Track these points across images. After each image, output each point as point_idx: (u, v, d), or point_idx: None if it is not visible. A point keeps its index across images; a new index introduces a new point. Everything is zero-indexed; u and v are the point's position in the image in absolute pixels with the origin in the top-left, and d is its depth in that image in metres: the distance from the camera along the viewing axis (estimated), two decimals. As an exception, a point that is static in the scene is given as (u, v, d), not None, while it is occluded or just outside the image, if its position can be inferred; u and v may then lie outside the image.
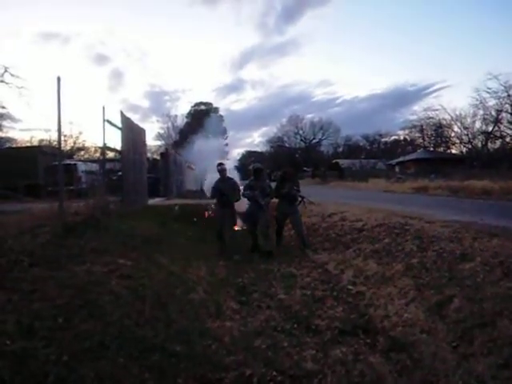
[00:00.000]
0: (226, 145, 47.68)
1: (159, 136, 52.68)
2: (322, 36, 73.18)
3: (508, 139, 37.04)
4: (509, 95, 34.52)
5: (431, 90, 51.31)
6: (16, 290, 3.62)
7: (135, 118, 11.40)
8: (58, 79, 5.89)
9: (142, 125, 11.06)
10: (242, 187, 7.75)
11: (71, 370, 2.40)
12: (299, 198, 7.48)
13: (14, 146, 32.89)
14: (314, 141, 54.37)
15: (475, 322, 3.40)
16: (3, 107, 29.43)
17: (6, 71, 27.68)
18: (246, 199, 7.52)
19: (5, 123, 32.81)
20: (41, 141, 35.78)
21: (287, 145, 53.57)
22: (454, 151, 42.88)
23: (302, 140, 53.63)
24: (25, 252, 4.78)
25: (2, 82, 27.92)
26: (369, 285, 4.83)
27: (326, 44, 72.53)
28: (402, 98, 56.84)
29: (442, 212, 8.27)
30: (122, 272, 4.62)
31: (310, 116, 55.47)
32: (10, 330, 2.74)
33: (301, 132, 54.24)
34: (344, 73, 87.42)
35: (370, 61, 78.89)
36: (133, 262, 5.16)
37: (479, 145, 39.26)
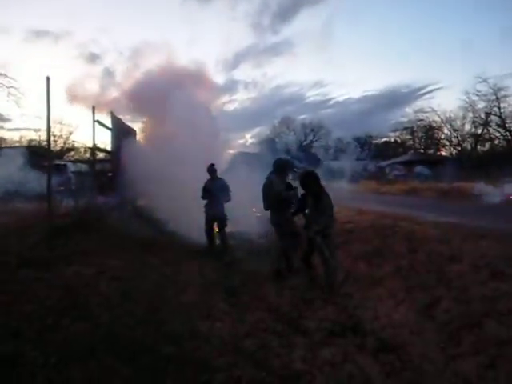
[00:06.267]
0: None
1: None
2: (316, 36, 73.00)
3: (497, 142, 37.50)
4: (497, 98, 34.84)
5: (424, 91, 51.56)
6: (3, 291, 3.58)
7: (126, 118, 11.24)
8: (48, 79, 5.84)
9: (132, 125, 10.97)
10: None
11: (59, 372, 2.39)
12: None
13: (3, 145, 32.40)
14: (305, 142, 54.20)
15: (463, 322, 3.44)
16: (-9, 107, 29.04)
17: (-5, 70, 27.38)
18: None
19: (-7, 123, 32.37)
20: (30, 141, 35.25)
21: (278, 146, 53.44)
22: (444, 153, 43.22)
23: (295, 142, 53.40)
24: (12, 253, 4.74)
25: (-9, 81, 27.59)
26: (358, 286, 4.85)
27: (320, 44, 72.69)
28: (395, 99, 56.59)
29: (431, 214, 8.35)
30: (112, 273, 4.59)
31: (302, 117, 55.19)
32: (-2, 333, 2.72)
33: (292, 133, 54.10)
34: (337, 74, 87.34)
35: (364, 61, 79.13)
36: (123, 263, 5.13)
37: (469, 147, 39.66)
